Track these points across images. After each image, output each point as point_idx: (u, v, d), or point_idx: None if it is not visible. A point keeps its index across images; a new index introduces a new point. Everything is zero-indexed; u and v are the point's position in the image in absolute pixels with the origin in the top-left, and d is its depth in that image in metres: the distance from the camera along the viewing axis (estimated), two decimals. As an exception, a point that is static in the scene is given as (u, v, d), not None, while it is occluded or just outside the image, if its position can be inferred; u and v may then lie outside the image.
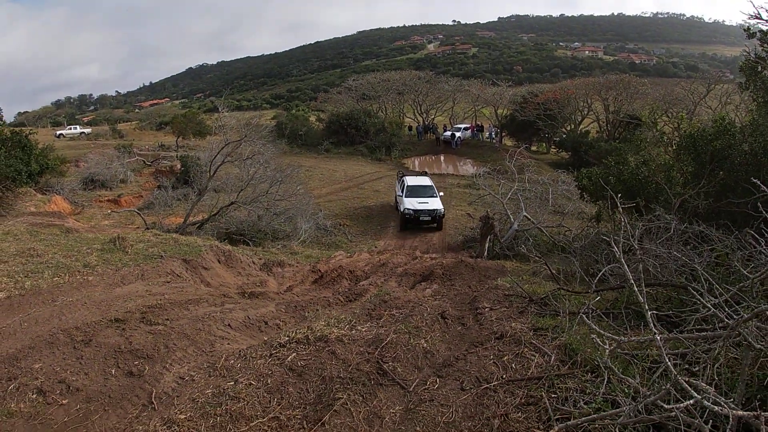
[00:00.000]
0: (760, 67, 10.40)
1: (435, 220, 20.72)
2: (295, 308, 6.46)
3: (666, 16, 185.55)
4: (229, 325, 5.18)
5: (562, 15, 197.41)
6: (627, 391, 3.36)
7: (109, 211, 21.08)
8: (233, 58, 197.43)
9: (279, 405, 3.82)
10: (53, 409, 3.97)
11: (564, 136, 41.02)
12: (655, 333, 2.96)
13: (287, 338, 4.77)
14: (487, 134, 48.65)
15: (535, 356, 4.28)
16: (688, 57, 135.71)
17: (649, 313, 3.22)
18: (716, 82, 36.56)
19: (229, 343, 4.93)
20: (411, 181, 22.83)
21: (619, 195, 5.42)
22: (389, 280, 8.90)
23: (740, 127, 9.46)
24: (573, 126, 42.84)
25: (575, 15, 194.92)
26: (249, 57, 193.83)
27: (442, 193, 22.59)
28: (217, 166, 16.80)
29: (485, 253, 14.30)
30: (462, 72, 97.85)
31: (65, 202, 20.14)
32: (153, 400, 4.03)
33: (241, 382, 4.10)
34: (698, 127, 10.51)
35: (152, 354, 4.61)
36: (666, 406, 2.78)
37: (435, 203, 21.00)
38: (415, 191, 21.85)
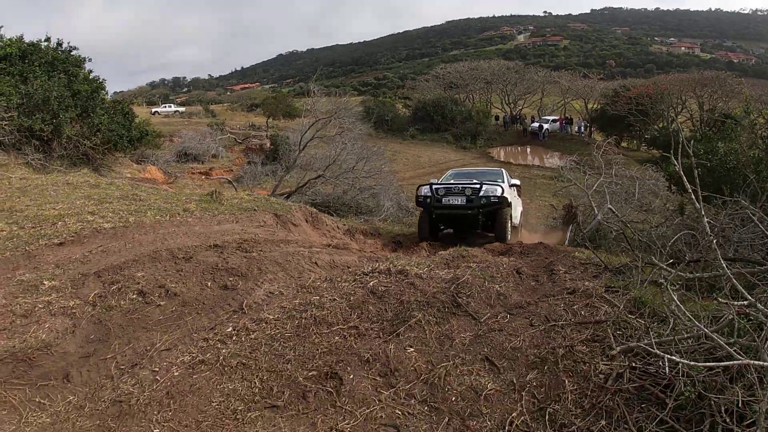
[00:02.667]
0: None
1: (481, 209, 10.91)
2: (376, 260, 6.88)
3: (765, 13, 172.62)
4: (315, 263, 5.64)
5: (657, 9, 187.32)
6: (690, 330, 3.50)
7: (202, 178, 22.33)
8: (322, 46, 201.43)
9: (359, 318, 4.27)
10: (150, 308, 4.55)
11: (656, 133, 39.44)
12: (725, 269, 3.10)
13: (371, 269, 5.24)
14: (576, 128, 47.49)
15: (604, 306, 4.44)
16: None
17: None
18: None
19: (315, 275, 5.40)
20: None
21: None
22: (469, 253, 9.10)
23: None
24: (665, 123, 41.12)
25: (671, 9, 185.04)
26: (338, 45, 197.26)
27: (515, 194, 13.30)
28: (306, 141, 17.55)
29: (566, 242, 14.17)
30: (552, 64, 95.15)
31: (159, 172, 21.32)
32: (244, 307, 4.55)
33: (326, 298, 4.58)
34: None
35: (246, 273, 5.15)
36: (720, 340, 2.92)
37: (489, 187, 11.19)
38: (462, 175, 13.73)
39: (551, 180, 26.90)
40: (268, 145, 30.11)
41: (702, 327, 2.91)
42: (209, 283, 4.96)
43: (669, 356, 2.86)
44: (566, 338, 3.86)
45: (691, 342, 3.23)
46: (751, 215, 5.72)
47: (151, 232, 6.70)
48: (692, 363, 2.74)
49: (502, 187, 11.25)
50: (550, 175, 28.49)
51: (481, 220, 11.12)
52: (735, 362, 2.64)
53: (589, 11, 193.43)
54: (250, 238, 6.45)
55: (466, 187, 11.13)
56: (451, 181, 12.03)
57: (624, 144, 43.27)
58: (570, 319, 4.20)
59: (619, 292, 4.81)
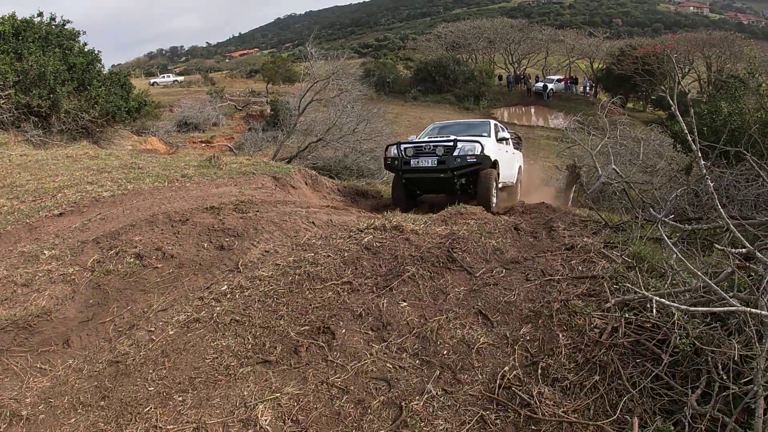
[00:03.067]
0: None
1: (455, 171, 9.11)
2: (372, 218, 6.89)
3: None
4: (312, 222, 5.65)
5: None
6: (687, 283, 3.46)
7: (204, 147, 22.28)
8: (321, 8, 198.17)
9: (352, 273, 4.30)
10: (148, 271, 4.62)
11: (662, 93, 38.94)
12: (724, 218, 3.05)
13: (366, 225, 5.27)
14: (581, 88, 46.94)
15: (601, 261, 4.39)
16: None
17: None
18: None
19: (311, 234, 5.42)
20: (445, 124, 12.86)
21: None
22: (470, 212, 9.01)
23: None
24: (671, 84, 40.58)
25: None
26: (336, 6, 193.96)
27: (509, 148, 11.39)
28: (306, 105, 17.41)
29: (569, 203, 14.08)
30: (557, 22, 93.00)
31: (160, 143, 21.52)
32: (239, 266, 4.62)
33: (321, 254, 4.63)
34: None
35: (242, 233, 5.21)
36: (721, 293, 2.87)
37: (466, 144, 9.27)
38: (444, 129, 11.67)
39: (555, 141, 26.76)
40: (269, 111, 30.05)
41: (700, 275, 2.84)
42: (206, 244, 5.03)
43: (658, 299, 2.81)
44: (562, 292, 3.83)
45: (689, 295, 3.19)
46: (760, 169, 5.66)
47: (149, 198, 6.75)
48: (684, 307, 2.69)
49: (482, 144, 9.22)
50: (554, 136, 28.32)
51: (459, 184, 9.31)
52: (730, 308, 2.59)
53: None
54: (247, 199, 6.50)
55: (438, 146, 9.30)
56: (425, 139, 10.30)
57: (629, 105, 42.79)
58: (566, 274, 4.17)
59: (618, 248, 4.77)
